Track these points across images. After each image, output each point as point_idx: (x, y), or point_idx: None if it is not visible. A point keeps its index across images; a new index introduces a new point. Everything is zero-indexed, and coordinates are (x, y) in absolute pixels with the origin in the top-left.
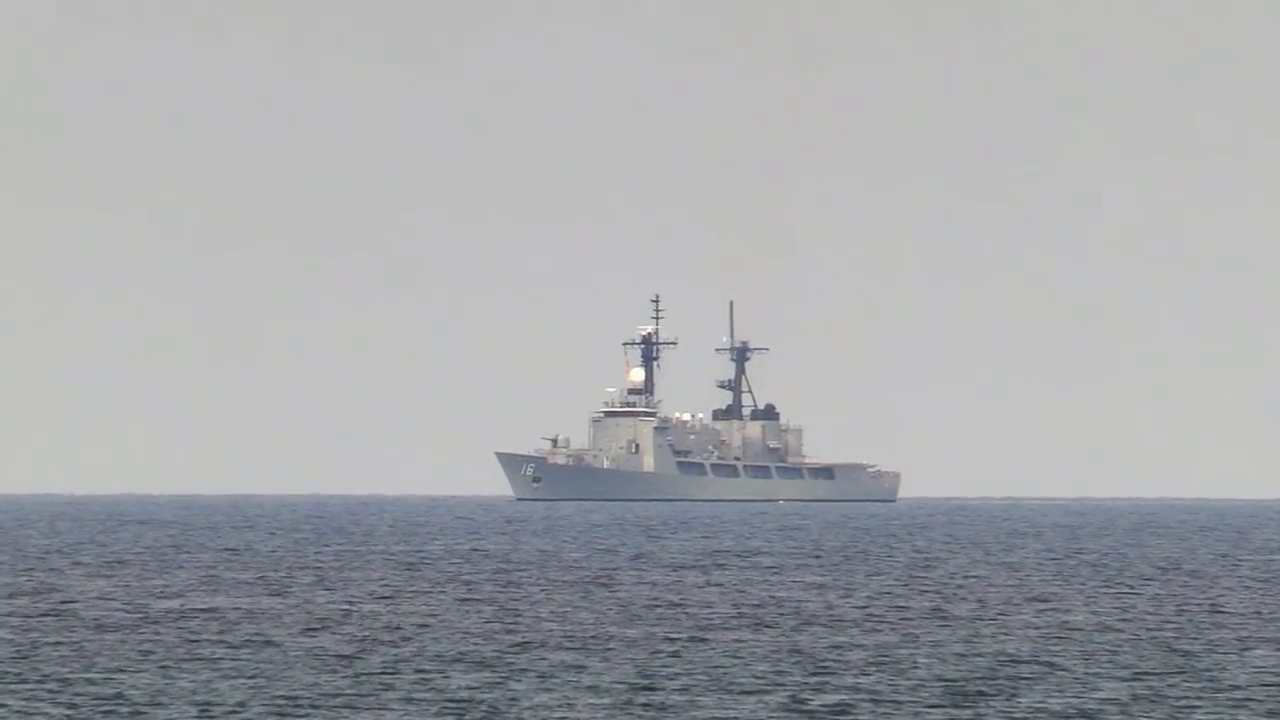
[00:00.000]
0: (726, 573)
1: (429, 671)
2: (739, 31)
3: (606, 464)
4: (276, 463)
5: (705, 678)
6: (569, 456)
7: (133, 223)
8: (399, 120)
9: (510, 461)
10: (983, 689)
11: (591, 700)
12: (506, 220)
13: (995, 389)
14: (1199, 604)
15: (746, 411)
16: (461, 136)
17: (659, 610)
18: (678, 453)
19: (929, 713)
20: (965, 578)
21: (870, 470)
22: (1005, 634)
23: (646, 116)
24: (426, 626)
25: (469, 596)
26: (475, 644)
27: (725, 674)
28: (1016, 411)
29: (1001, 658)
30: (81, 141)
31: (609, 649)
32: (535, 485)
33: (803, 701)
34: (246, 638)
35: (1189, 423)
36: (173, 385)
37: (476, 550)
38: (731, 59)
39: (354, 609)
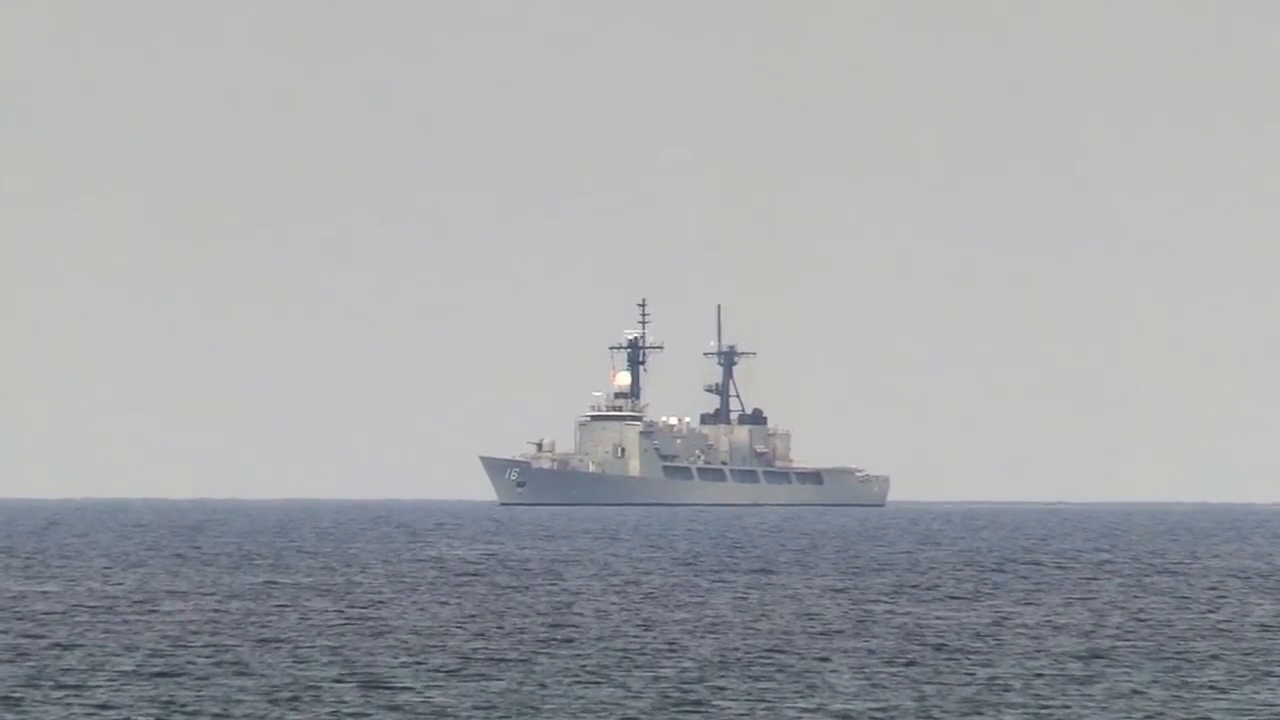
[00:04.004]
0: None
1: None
2: (730, 35)
3: (592, 468)
4: (260, 468)
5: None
6: (554, 460)
7: (107, 220)
8: (383, 120)
9: (494, 466)
10: None
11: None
12: (492, 223)
13: (985, 392)
14: None
15: (734, 416)
16: (447, 138)
17: None
18: (664, 457)
19: None
20: None
21: (859, 474)
22: None
23: (634, 118)
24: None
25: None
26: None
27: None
28: (1006, 415)
29: None
30: (69, 137)
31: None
32: (520, 490)
33: None
34: None
35: (1180, 426)
36: (152, 389)
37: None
38: (722, 61)
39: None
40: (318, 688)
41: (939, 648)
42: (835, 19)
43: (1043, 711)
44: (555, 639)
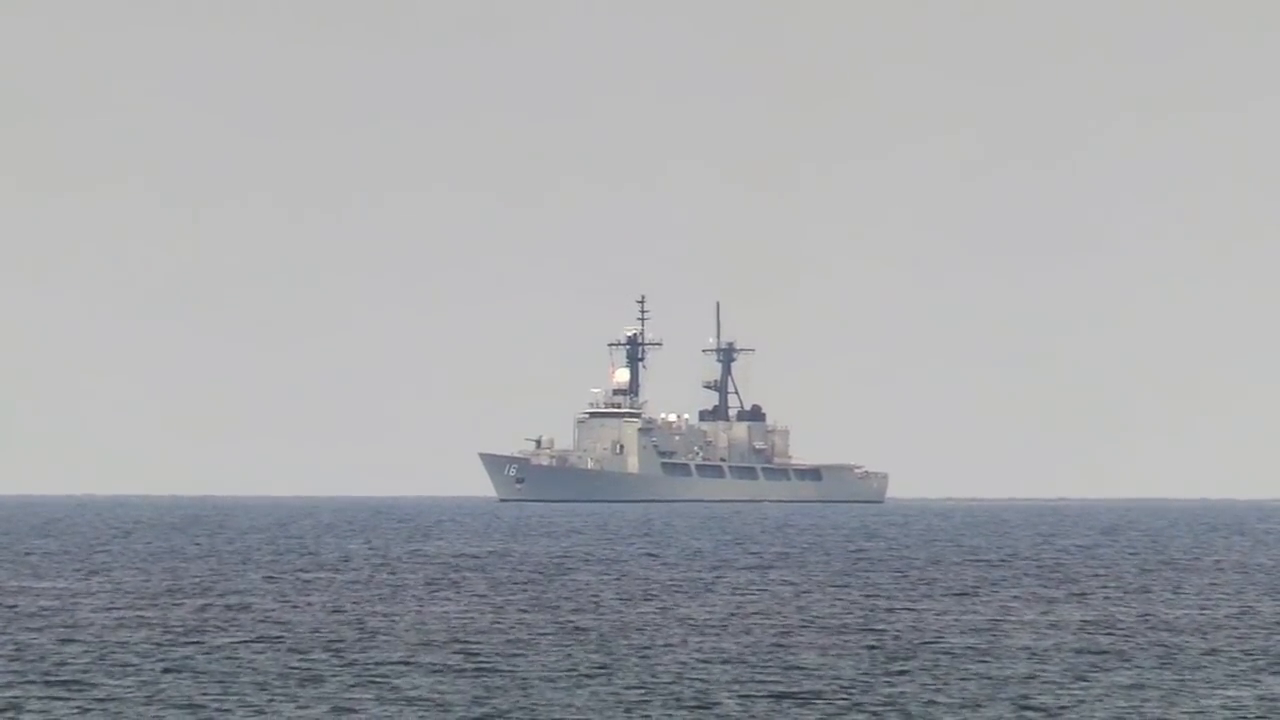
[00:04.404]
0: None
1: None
2: (730, 34)
3: (591, 465)
4: (260, 465)
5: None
6: (553, 457)
7: (107, 220)
8: (383, 116)
9: (493, 462)
10: None
11: None
12: (491, 219)
13: (984, 390)
14: None
15: (733, 412)
16: (446, 135)
17: None
18: (663, 454)
19: None
20: None
21: (858, 471)
22: None
23: (634, 116)
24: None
25: None
26: None
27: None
28: (1006, 412)
29: None
30: (62, 131)
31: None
32: (518, 486)
33: None
34: None
35: (1178, 423)
36: (152, 388)
37: None
38: (723, 59)
39: None
40: (317, 683)
41: (939, 644)
42: (837, 18)
43: (1043, 707)
44: (555, 636)
